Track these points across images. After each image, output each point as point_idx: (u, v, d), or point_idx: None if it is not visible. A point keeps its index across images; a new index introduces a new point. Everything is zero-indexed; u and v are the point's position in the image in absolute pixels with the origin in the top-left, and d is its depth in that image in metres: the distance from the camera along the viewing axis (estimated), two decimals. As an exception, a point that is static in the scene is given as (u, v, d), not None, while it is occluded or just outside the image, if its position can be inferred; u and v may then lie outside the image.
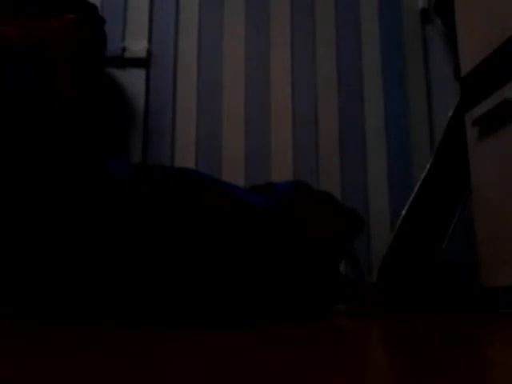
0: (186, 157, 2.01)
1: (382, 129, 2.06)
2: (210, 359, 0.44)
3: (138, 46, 2.07)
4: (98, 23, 1.79)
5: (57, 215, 1.13)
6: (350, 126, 2.06)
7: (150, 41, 2.11)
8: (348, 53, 2.13)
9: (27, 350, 0.49)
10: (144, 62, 2.07)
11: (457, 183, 1.70)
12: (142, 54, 2.06)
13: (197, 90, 2.08)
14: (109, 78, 2.05)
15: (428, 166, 1.73)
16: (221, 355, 0.46)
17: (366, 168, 2.02)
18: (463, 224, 1.95)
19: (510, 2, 1.16)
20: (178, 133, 2.04)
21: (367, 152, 2.04)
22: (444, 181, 1.71)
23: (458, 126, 1.74)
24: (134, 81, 2.05)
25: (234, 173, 2.00)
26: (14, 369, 0.38)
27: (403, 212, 1.70)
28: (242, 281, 1.03)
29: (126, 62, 2.07)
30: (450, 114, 1.77)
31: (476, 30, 1.31)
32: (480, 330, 0.71)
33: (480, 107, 1.28)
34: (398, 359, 0.45)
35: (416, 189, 1.71)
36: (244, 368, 0.39)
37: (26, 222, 1.15)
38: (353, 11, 2.17)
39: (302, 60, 2.12)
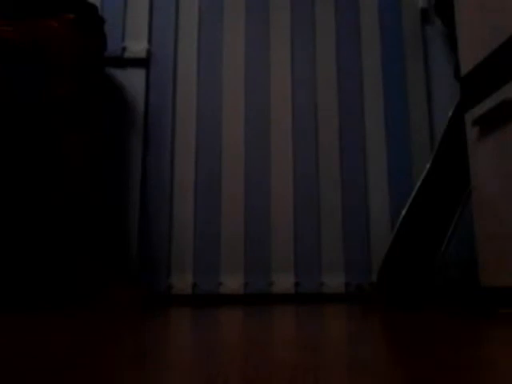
0: (185, 156, 2.01)
1: (382, 129, 2.06)
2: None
3: (138, 46, 2.08)
4: (98, 23, 1.79)
5: None
6: (350, 125, 2.06)
7: (149, 41, 2.11)
8: (348, 53, 2.13)
9: None
10: (144, 62, 2.07)
11: (457, 183, 1.70)
12: (142, 54, 2.07)
13: (196, 90, 2.08)
14: (109, 78, 2.05)
15: (428, 166, 1.73)
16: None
17: (366, 168, 2.03)
18: (463, 224, 1.95)
19: (509, 2, 1.16)
20: (178, 133, 2.04)
21: (367, 152, 2.04)
22: (444, 181, 1.71)
23: (457, 126, 1.74)
24: (134, 81, 2.05)
25: (233, 169, 2.00)
26: None
27: (403, 212, 1.70)
28: None
29: (126, 62, 2.07)
30: (450, 114, 1.77)
31: (476, 30, 1.31)
32: (480, 330, 0.71)
33: (480, 107, 1.28)
34: (400, 358, 0.45)
35: (416, 189, 1.71)
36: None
37: None
38: (353, 11, 2.17)
39: (301, 60, 2.12)
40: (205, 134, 2.04)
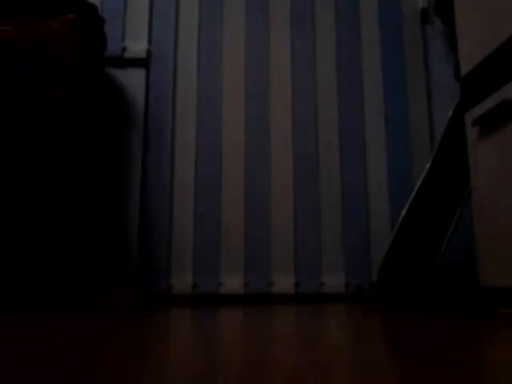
0: (185, 156, 2.01)
1: (382, 129, 2.06)
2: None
3: (138, 46, 2.08)
4: (98, 23, 1.79)
5: None
6: (350, 125, 2.06)
7: (149, 41, 2.11)
8: (348, 53, 2.13)
9: None
10: (144, 62, 2.07)
11: (457, 183, 1.70)
12: (142, 54, 2.07)
13: (196, 90, 2.08)
14: (109, 78, 2.05)
15: (428, 166, 1.73)
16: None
17: (366, 168, 2.03)
18: (463, 224, 1.95)
19: (509, 3, 1.16)
20: (178, 133, 2.04)
21: (367, 152, 2.04)
22: (444, 181, 1.71)
23: (457, 126, 1.74)
24: (134, 81, 2.05)
25: (233, 169, 2.00)
26: None
27: (403, 212, 1.70)
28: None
29: (126, 62, 2.07)
30: (450, 114, 1.77)
31: (476, 30, 1.31)
32: (480, 330, 0.71)
33: (480, 107, 1.28)
34: (398, 360, 0.45)
35: (416, 189, 1.71)
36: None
37: None
38: (353, 11, 2.17)
39: (301, 60, 2.12)
40: (205, 134, 2.04)
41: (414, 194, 1.71)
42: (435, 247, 1.67)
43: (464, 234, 1.94)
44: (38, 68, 1.56)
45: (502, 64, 1.17)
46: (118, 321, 0.94)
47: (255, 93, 2.08)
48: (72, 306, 1.46)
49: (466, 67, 1.36)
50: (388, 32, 2.15)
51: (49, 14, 1.62)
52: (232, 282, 1.89)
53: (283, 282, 1.90)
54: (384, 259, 1.69)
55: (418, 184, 1.72)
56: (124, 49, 2.07)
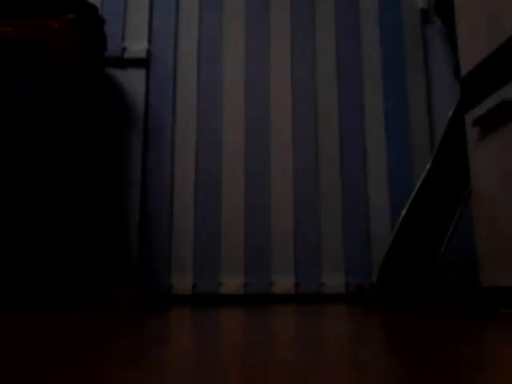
0: (185, 156, 2.01)
1: (382, 129, 2.06)
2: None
3: (137, 47, 2.08)
4: (98, 24, 1.79)
5: None
6: (350, 125, 2.06)
7: (150, 41, 2.11)
8: (348, 53, 2.13)
9: None
10: (144, 63, 2.07)
11: (457, 183, 1.70)
12: (142, 54, 2.07)
13: (197, 90, 2.08)
14: (109, 78, 2.05)
15: (428, 166, 1.73)
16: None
17: (366, 168, 2.02)
18: (463, 224, 1.95)
19: (509, 2, 1.16)
20: (178, 133, 2.04)
21: (367, 152, 2.04)
22: (444, 181, 1.71)
23: (457, 126, 1.74)
24: (134, 81, 2.05)
25: (233, 169, 2.00)
26: None
27: (403, 212, 1.70)
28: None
29: (126, 62, 2.07)
30: (450, 114, 1.77)
31: (476, 29, 1.31)
32: (480, 330, 0.71)
33: (480, 107, 1.28)
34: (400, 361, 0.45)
35: (416, 189, 1.71)
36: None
37: None
38: (353, 11, 2.17)
39: (301, 60, 2.12)
40: (205, 133, 2.04)
41: (414, 194, 1.71)
42: (435, 247, 1.67)
43: (464, 234, 1.94)
44: (38, 68, 1.56)
45: (502, 64, 1.17)
46: (118, 321, 0.94)
47: (255, 93, 2.08)
48: (72, 306, 1.46)
49: (466, 67, 1.36)
50: (388, 32, 2.15)
51: (49, 14, 1.62)
52: (232, 282, 1.89)
53: (283, 282, 1.90)
54: (384, 259, 1.69)
55: (418, 184, 1.72)
56: (124, 49, 2.07)
